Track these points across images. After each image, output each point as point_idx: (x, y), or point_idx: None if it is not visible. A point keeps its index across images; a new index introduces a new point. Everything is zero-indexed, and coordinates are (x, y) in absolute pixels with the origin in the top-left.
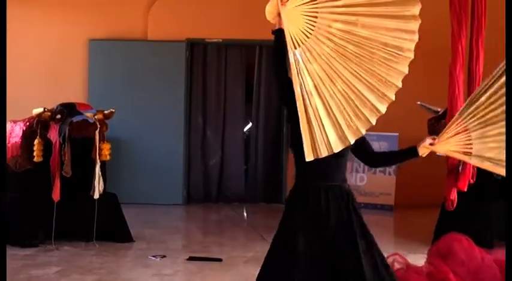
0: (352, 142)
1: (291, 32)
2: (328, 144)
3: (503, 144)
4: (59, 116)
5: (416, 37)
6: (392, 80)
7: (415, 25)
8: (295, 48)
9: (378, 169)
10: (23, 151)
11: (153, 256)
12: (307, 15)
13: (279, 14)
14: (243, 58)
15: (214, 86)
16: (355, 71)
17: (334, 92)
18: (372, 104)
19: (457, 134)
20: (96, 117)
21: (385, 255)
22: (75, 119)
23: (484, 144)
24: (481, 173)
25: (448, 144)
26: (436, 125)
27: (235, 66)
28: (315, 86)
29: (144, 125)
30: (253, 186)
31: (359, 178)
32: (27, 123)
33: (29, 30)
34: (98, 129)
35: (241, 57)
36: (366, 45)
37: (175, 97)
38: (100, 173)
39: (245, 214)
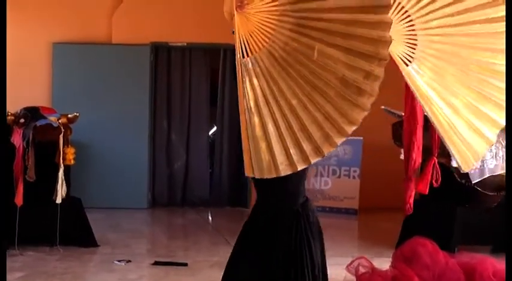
0: (284, 174)
1: (242, 37)
2: (262, 167)
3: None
4: (22, 120)
5: (378, 84)
6: (343, 124)
7: (379, 70)
8: (243, 57)
9: (342, 173)
10: None
11: (118, 261)
12: (263, 25)
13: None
14: (207, 62)
15: (178, 89)
16: (304, 101)
17: (275, 116)
18: (317, 143)
19: (401, 21)
20: (60, 121)
21: (350, 259)
22: (39, 123)
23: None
24: (446, 177)
25: (397, 42)
26: (400, 130)
27: (200, 69)
28: (256, 103)
29: (109, 129)
30: (218, 190)
31: (323, 182)
32: None
33: None
34: (62, 133)
35: (205, 61)
36: (322, 76)
37: (140, 101)
38: (63, 178)
39: (210, 218)
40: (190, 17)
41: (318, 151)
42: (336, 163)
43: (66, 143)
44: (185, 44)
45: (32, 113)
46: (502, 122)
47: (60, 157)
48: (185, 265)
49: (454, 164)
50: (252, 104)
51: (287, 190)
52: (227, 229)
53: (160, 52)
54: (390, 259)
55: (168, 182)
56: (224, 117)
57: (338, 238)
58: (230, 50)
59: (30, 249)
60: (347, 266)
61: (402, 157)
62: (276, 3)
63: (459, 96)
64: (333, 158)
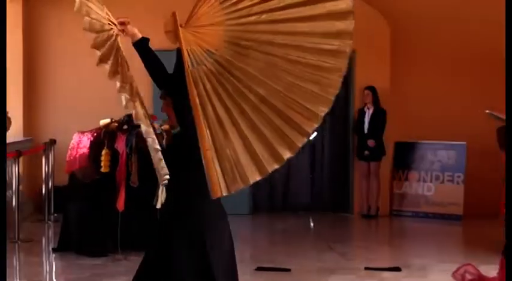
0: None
1: None
2: None
3: None
4: (125, 127)
5: None
6: None
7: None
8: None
9: (445, 179)
10: (91, 161)
11: None
12: None
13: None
14: None
15: None
16: None
17: None
18: None
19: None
20: (162, 127)
21: (456, 265)
22: None
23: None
24: None
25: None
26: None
27: None
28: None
29: None
30: (320, 195)
31: (426, 188)
32: (95, 134)
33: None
34: (164, 139)
35: None
36: None
37: None
38: None
39: (312, 223)
40: None
41: None
42: (439, 168)
43: None
44: None
45: None
46: (268, 168)
47: None
48: (288, 270)
49: None
50: None
51: None
52: (329, 234)
53: None
54: (497, 266)
55: (269, 187)
56: (325, 121)
57: (443, 244)
58: None
59: (133, 253)
60: (453, 273)
61: None
62: None
63: (236, 124)
64: (436, 164)
